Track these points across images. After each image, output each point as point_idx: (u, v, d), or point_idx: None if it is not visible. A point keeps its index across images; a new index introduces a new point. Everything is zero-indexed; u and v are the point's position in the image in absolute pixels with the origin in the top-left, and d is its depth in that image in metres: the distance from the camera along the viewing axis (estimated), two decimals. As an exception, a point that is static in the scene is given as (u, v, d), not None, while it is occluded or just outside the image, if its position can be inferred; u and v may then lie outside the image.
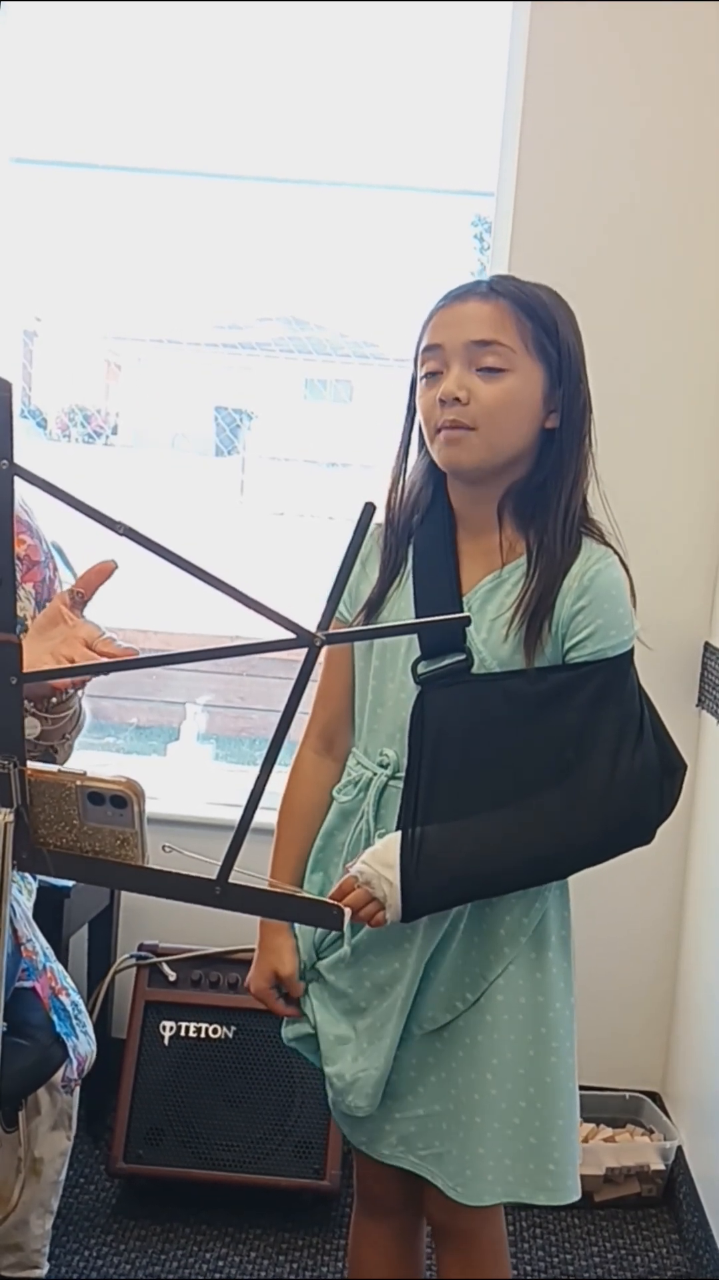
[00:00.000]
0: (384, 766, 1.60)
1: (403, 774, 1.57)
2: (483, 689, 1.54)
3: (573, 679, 1.53)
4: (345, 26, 2.83)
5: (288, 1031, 1.73)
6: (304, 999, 1.69)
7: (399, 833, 1.53)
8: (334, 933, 1.65)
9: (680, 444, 2.61)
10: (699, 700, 2.59)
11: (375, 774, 1.61)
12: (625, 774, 1.52)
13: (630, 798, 1.53)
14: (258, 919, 1.67)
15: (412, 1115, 1.63)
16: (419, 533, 1.61)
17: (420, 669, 1.55)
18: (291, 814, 1.70)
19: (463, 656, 1.53)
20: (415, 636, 1.57)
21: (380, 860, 1.52)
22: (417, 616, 1.57)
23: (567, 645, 1.54)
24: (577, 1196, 1.63)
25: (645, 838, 1.57)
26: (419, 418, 1.58)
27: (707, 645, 2.59)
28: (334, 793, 1.67)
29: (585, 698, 1.52)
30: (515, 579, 1.55)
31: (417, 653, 1.56)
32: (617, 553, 1.58)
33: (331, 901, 1.25)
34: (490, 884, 1.55)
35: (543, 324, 1.54)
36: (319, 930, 1.67)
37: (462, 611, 1.55)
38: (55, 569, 1.94)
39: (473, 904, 1.58)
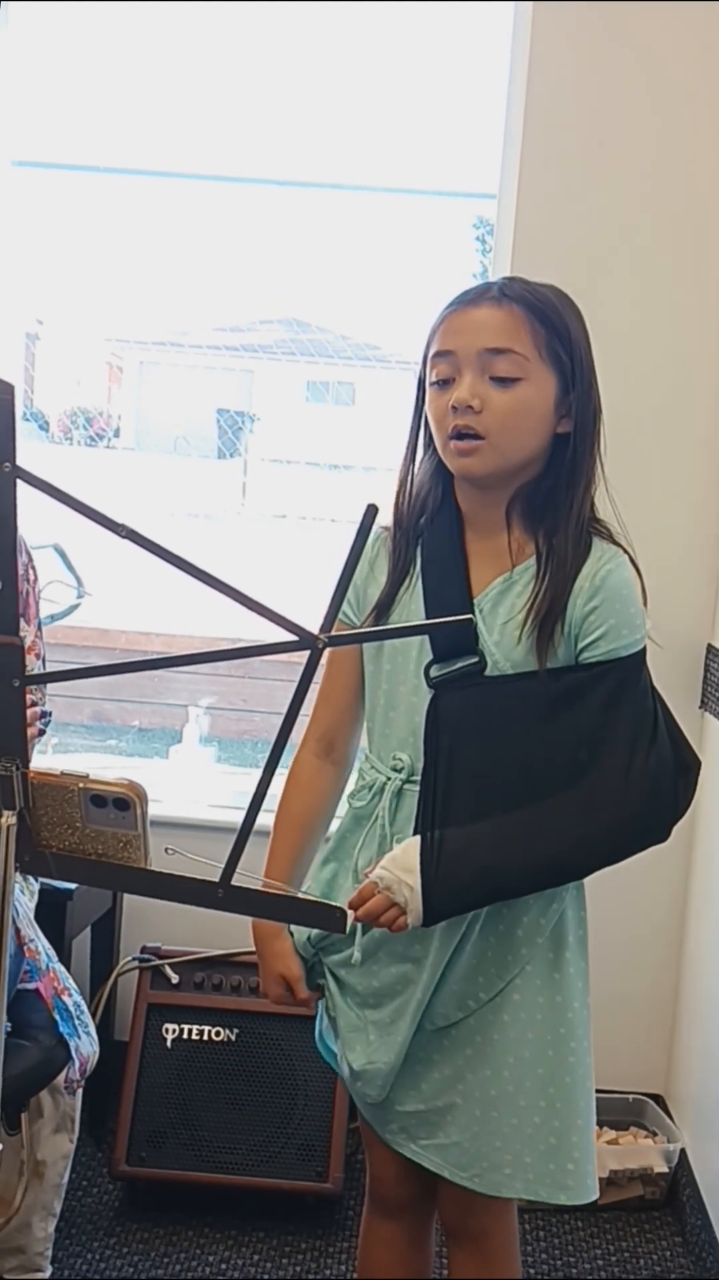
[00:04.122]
0: (398, 770, 1.60)
1: (417, 777, 1.56)
2: (497, 691, 1.53)
3: (586, 679, 1.52)
4: (346, 28, 2.84)
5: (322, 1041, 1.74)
6: (324, 988, 1.69)
7: (418, 837, 1.53)
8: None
9: (684, 446, 2.61)
10: (702, 702, 2.59)
11: (390, 778, 1.61)
12: (641, 773, 1.52)
13: (646, 797, 1.53)
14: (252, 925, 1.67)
15: (412, 1109, 1.63)
16: (427, 534, 1.60)
17: (433, 672, 1.55)
18: (289, 820, 1.68)
19: (476, 659, 1.53)
20: (427, 639, 1.56)
21: (400, 865, 1.51)
22: (427, 619, 1.57)
23: (579, 646, 1.53)
24: (595, 1196, 1.63)
25: (662, 836, 1.56)
26: (428, 421, 1.57)
27: (709, 647, 2.59)
28: (348, 797, 1.67)
29: (599, 698, 1.52)
30: (526, 581, 1.55)
31: (428, 656, 1.56)
32: (627, 552, 1.58)
33: (334, 904, 1.25)
34: (510, 886, 1.54)
35: (556, 330, 1.53)
36: (313, 930, 1.66)
37: (472, 613, 1.54)
38: (34, 580, 1.95)
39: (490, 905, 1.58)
